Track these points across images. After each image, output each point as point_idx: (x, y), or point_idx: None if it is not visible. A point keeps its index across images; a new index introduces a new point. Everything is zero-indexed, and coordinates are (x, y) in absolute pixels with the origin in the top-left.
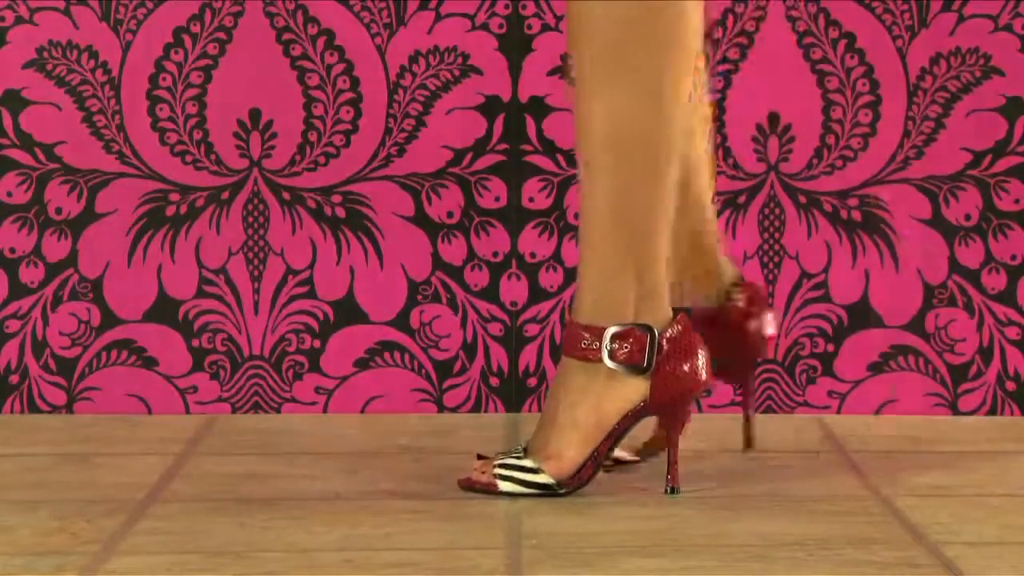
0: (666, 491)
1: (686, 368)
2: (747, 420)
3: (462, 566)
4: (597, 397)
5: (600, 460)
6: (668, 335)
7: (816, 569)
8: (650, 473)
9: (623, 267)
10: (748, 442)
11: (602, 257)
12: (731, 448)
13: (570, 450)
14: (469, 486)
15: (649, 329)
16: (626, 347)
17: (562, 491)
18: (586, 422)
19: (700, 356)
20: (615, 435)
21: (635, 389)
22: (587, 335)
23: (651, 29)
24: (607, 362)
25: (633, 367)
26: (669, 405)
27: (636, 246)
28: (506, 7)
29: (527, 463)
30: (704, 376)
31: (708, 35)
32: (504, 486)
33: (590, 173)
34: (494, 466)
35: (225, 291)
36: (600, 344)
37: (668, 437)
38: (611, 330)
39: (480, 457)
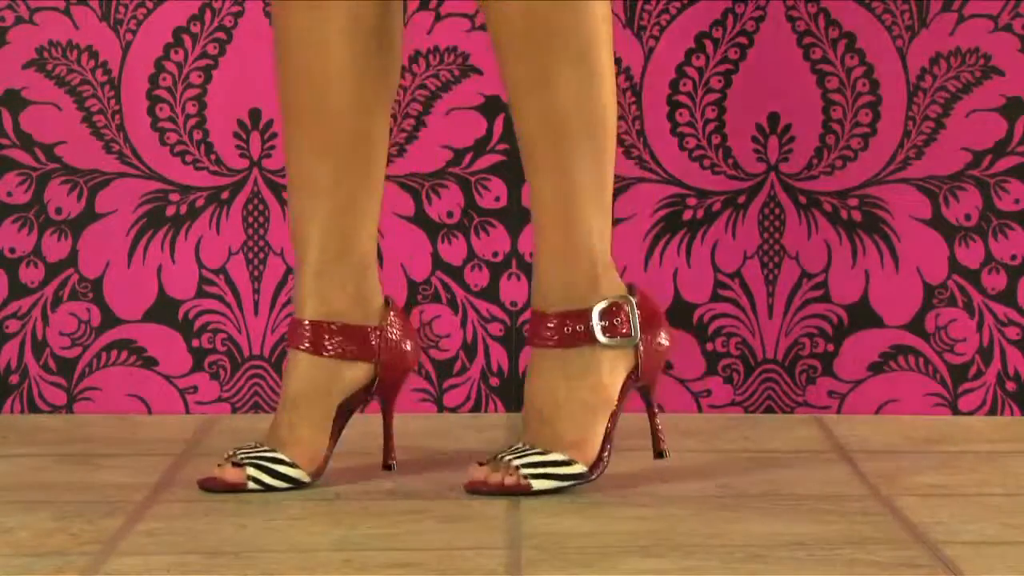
0: (658, 455)
1: (662, 332)
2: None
3: (462, 566)
4: (598, 375)
5: (610, 440)
6: (639, 302)
7: (816, 569)
8: (650, 473)
9: (585, 247)
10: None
11: (563, 244)
12: (730, 448)
13: (589, 433)
14: (499, 491)
15: (627, 299)
16: (616, 321)
17: (593, 477)
18: (595, 401)
19: (665, 321)
20: (616, 412)
21: (626, 361)
22: (569, 321)
23: (562, 25)
24: (602, 339)
25: (624, 339)
26: (654, 372)
27: (591, 227)
28: None
29: (556, 456)
30: (669, 340)
31: None
32: (539, 484)
33: (536, 164)
34: (517, 467)
35: (225, 291)
36: (587, 326)
37: (649, 403)
38: (598, 308)
39: (481, 463)
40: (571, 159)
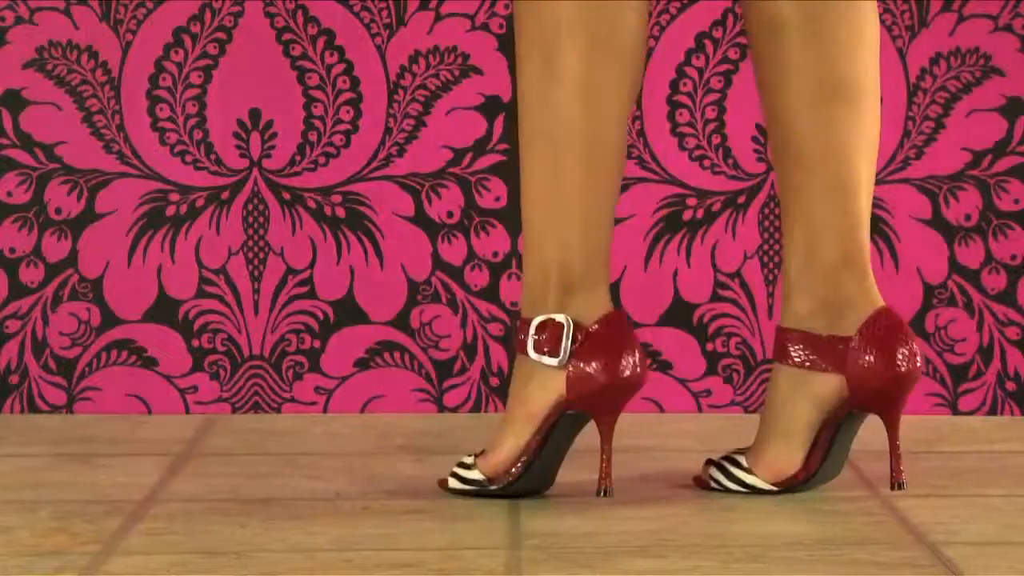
0: (599, 493)
1: (596, 364)
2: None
3: (462, 566)
4: (525, 387)
5: (531, 457)
6: (590, 329)
7: (816, 569)
8: (650, 473)
9: (549, 257)
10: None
11: (533, 248)
12: (730, 448)
13: (505, 442)
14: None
15: (565, 320)
16: (543, 337)
17: (492, 487)
18: (517, 413)
19: (622, 354)
20: (543, 430)
21: (555, 381)
22: (521, 326)
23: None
24: (531, 353)
25: (550, 358)
26: (586, 400)
27: (560, 235)
28: (506, 7)
29: (466, 459)
30: (625, 374)
31: None
32: (451, 483)
33: (522, 160)
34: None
35: (225, 291)
36: (527, 335)
37: (600, 434)
38: (536, 321)
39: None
40: (524, 159)
